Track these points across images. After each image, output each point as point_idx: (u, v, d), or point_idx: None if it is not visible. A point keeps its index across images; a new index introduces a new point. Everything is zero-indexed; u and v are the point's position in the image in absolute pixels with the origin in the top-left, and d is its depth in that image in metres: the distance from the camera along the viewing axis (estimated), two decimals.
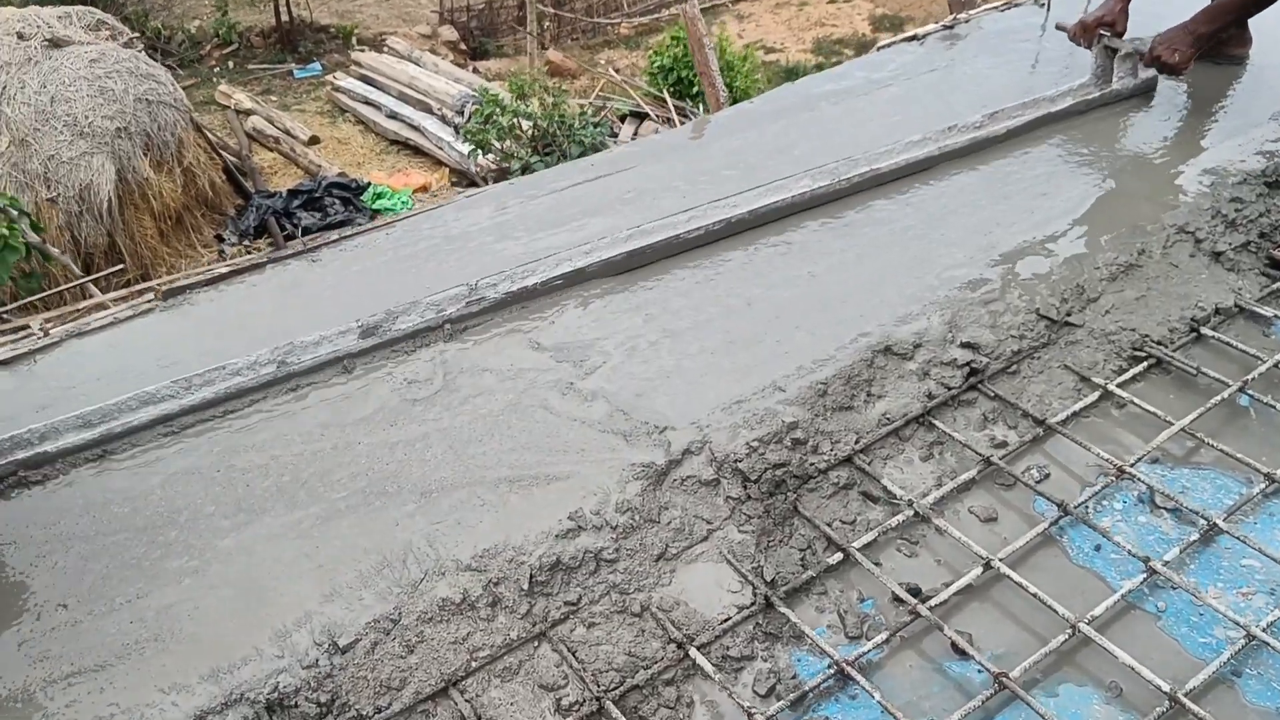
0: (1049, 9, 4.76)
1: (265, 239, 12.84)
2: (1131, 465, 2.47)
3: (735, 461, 2.46)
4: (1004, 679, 2.01)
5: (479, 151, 12.53)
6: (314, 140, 15.38)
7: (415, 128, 15.06)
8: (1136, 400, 2.64)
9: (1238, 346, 2.78)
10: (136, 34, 14.67)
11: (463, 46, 19.00)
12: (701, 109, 12.40)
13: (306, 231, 12.72)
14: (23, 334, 3.37)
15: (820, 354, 2.76)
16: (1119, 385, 2.71)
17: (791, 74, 16.82)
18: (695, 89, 13.07)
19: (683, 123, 12.70)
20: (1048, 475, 2.53)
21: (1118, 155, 3.61)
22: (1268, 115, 3.73)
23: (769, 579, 2.29)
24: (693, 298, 3.08)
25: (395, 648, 2.10)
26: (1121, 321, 2.87)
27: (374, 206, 13.47)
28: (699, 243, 3.30)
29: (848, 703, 2.08)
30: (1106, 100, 3.89)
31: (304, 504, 2.44)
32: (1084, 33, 3.93)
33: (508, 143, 12.09)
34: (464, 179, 14.02)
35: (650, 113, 14.00)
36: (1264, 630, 2.09)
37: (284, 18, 18.80)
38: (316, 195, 13.33)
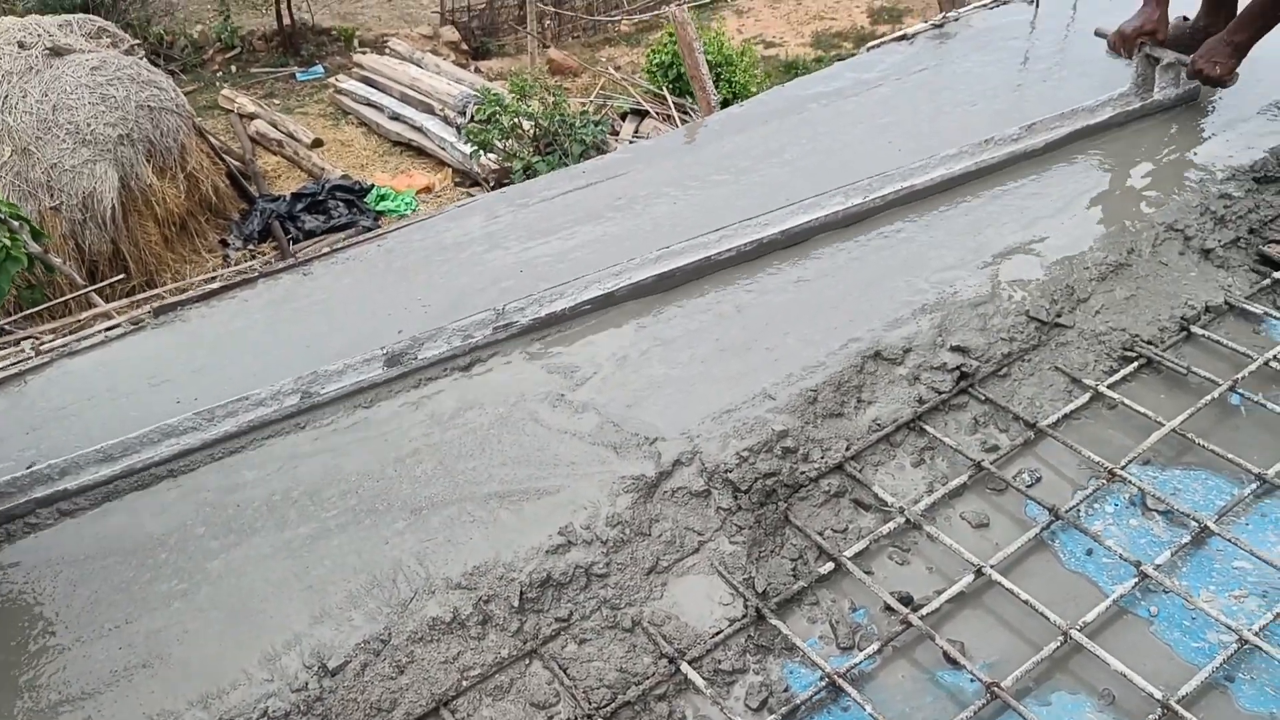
0: (1038, 5, 4.74)
1: (270, 243, 12.85)
2: (1122, 467, 2.46)
3: (726, 472, 2.46)
4: (996, 689, 2.01)
5: (481, 152, 12.53)
6: (317, 143, 15.38)
7: (418, 129, 15.05)
8: (1127, 401, 2.63)
9: (1228, 345, 2.77)
10: (138, 41, 14.67)
11: (464, 47, 18.97)
12: None
13: (311, 234, 12.74)
14: (14, 352, 3.37)
15: (810, 360, 2.76)
16: (1110, 386, 2.70)
17: (791, 68, 16.78)
18: None
19: (683, 119, 12.68)
20: (1039, 479, 2.52)
21: (1107, 154, 3.59)
22: (1255, 110, 3.71)
23: (760, 590, 2.29)
24: (684, 305, 3.07)
25: (385, 669, 2.11)
26: (1111, 322, 2.86)
27: (378, 208, 13.47)
28: (730, 263, 3.21)
29: (840, 715, 2.09)
30: (1148, 110, 3.79)
31: (294, 523, 2.45)
32: (1123, 42, 3.85)
33: (510, 142, 12.08)
34: (467, 179, 14.01)
35: (650, 110, 13.98)
36: (1256, 634, 2.08)
37: (286, 21, 18.79)
38: (320, 198, 13.33)
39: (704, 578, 2.33)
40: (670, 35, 13.99)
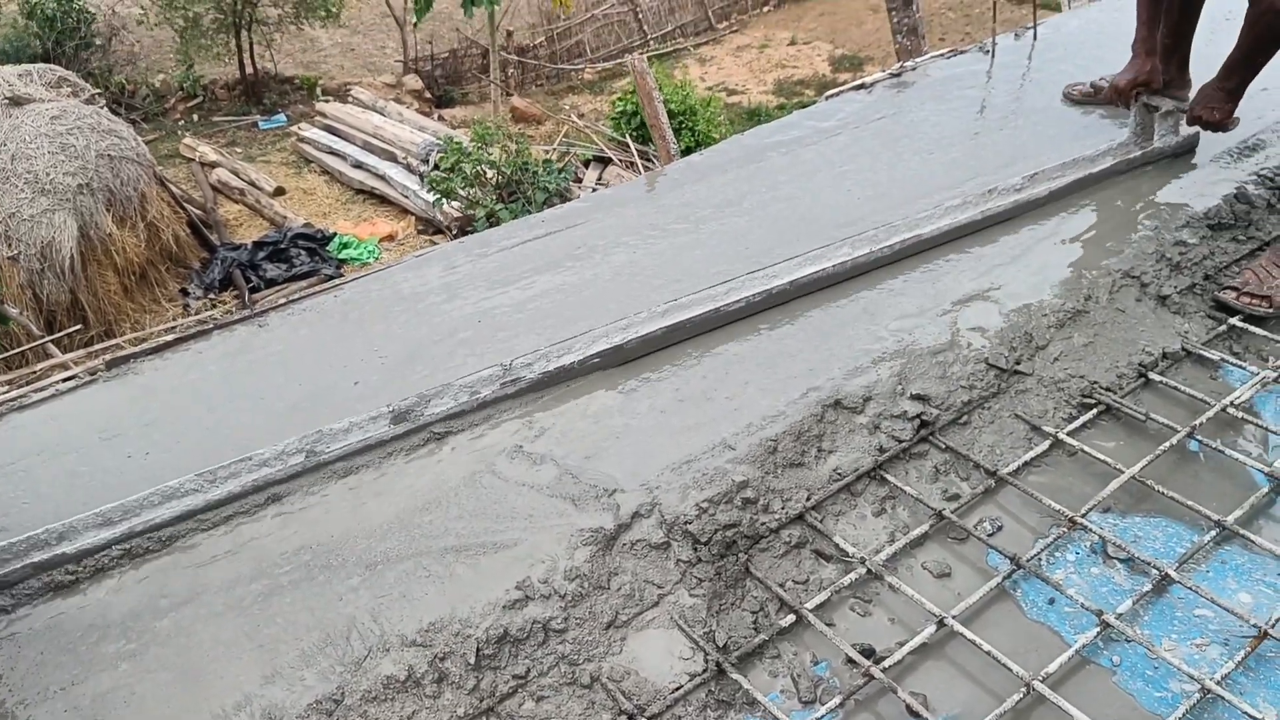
0: (993, 55, 4.80)
1: (231, 291, 12.78)
2: (1083, 515, 2.45)
3: (685, 523, 2.43)
4: None
5: (444, 200, 12.54)
6: (279, 191, 15.36)
7: (380, 176, 15.07)
8: (1087, 448, 2.63)
9: (1186, 391, 2.78)
10: (99, 90, 14.64)
11: (427, 95, 19.07)
12: None
13: (273, 283, 12.68)
14: None
15: (770, 410, 2.74)
16: (1069, 433, 2.70)
17: (754, 115, 16.95)
18: None
19: (646, 167, 12.75)
20: (1000, 528, 2.51)
21: (1064, 203, 3.61)
22: (1209, 157, 3.76)
23: (721, 644, 2.26)
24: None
25: None
26: (1070, 369, 2.86)
27: (340, 256, 13.44)
28: (738, 315, 3.16)
29: None
30: (1149, 159, 3.80)
31: (245, 579, 2.39)
32: (1119, 95, 3.91)
33: (473, 190, 12.11)
34: (430, 227, 14.02)
35: (614, 157, 14.06)
36: (1218, 684, 2.06)
37: (248, 70, 18.82)
38: (282, 246, 13.30)
39: (664, 631, 2.30)
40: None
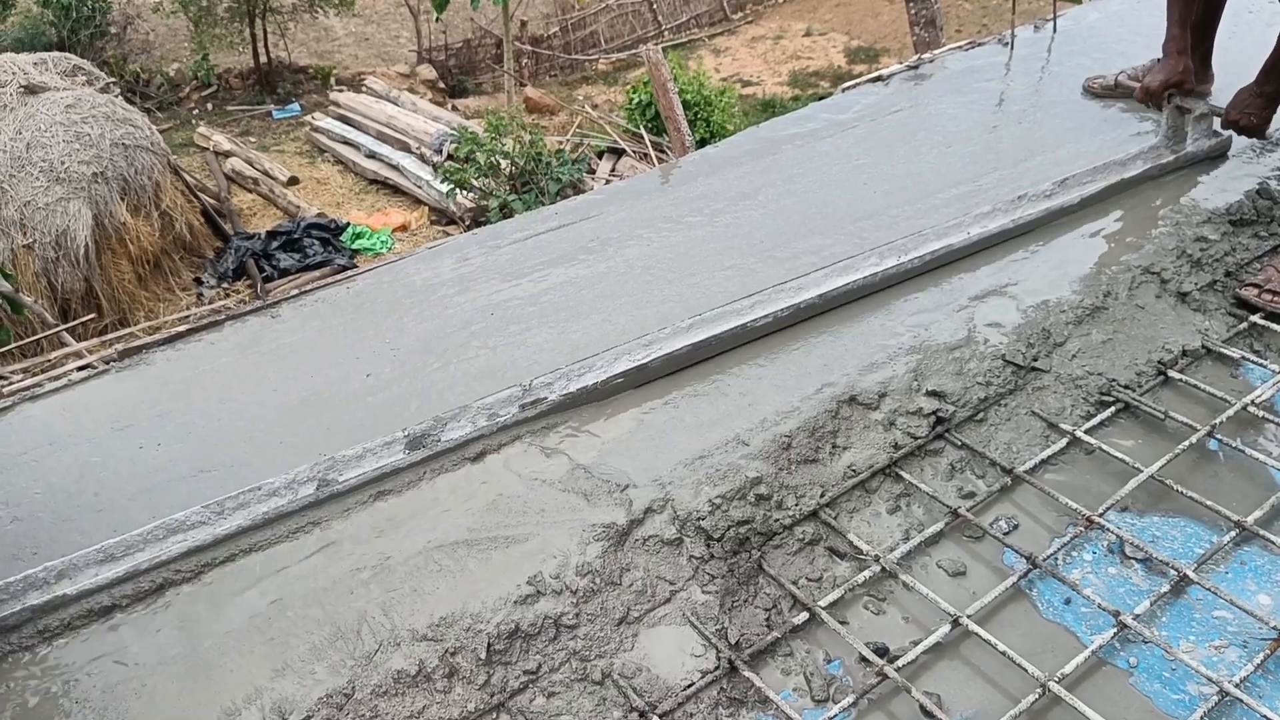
0: (1012, 48, 4.76)
1: (244, 281, 12.79)
2: (1100, 514, 2.43)
3: (698, 519, 2.41)
4: None
5: (457, 190, 12.53)
6: (293, 181, 15.37)
7: (394, 167, 15.06)
8: (1105, 446, 2.61)
9: (1206, 389, 2.75)
10: (114, 79, 14.66)
11: (441, 85, 19.06)
12: None
13: (286, 273, 12.69)
14: None
15: (784, 405, 2.72)
16: (1087, 431, 2.67)
17: (768, 107, 16.90)
18: None
19: (660, 158, 12.72)
20: (1016, 526, 2.49)
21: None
22: (1231, 152, 3.72)
23: (733, 641, 2.24)
24: None
25: None
26: (1089, 366, 2.83)
27: (353, 246, 13.44)
28: (765, 331, 3.06)
29: None
30: (1180, 164, 3.70)
31: (254, 574, 2.39)
32: (1150, 96, 3.77)
33: (486, 180, 12.09)
34: (443, 217, 14.02)
35: (627, 149, 14.03)
36: (1237, 686, 2.04)
37: (262, 59, 18.84)
38: (295, 236, 13.30)
39: (676, 628, 2.28)
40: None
